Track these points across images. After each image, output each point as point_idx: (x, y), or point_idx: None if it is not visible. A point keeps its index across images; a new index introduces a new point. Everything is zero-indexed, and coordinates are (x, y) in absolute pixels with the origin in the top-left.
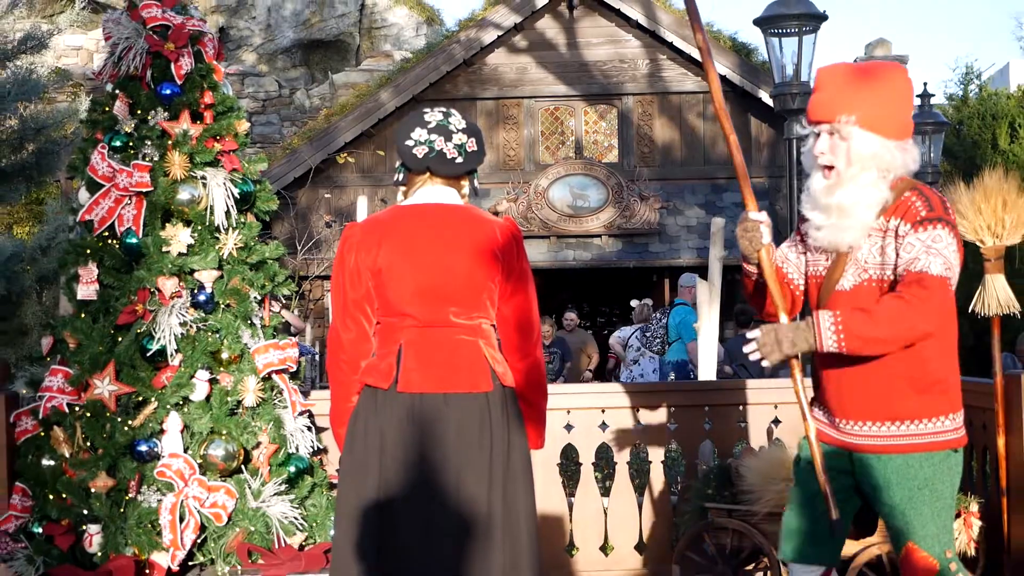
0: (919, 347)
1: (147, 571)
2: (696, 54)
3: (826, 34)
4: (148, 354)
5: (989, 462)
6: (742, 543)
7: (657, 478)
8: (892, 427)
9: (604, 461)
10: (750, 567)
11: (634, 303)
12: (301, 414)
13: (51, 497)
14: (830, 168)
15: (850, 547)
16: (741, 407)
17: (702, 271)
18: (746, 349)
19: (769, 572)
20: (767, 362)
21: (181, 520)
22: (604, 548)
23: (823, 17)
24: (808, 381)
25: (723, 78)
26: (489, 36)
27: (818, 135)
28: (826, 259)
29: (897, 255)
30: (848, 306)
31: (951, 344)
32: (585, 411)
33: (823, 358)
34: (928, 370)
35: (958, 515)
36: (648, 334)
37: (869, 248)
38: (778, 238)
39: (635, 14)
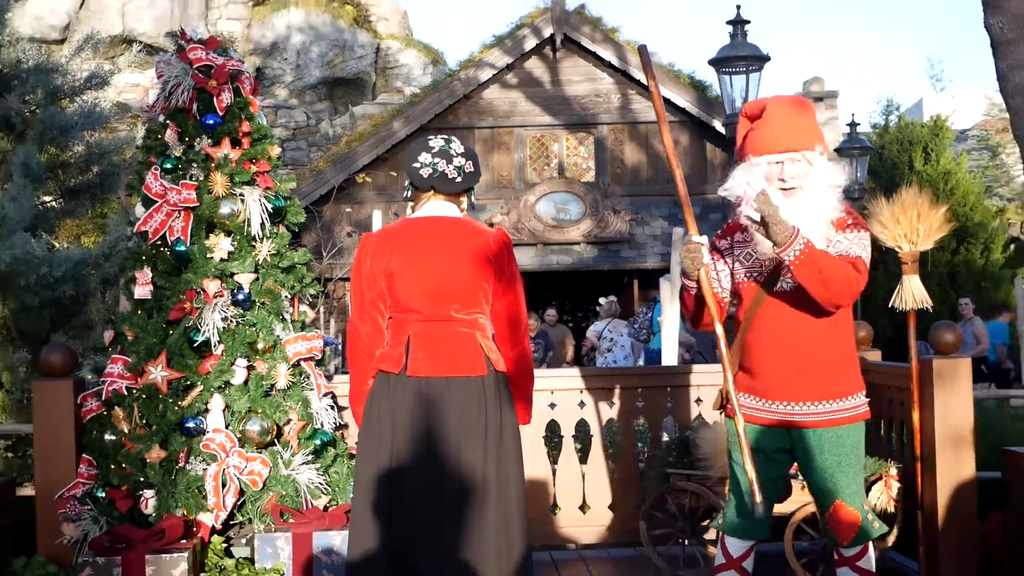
0: (840, 337)
1: (194, 529)
2: (661, 90)
3: (769, 72)
4: (195, 345)
5: (906, 434)
6: (699, 503)
7: (627, 449)
8: (826, 404)
9: (582, 434)
10: (705, 523)
11: (602, 300)
12: (325, 395)
13: (112, 467)
14: (792, 189)
15: (788, 506)
16: (698, 388)
17: (665, 273)
18: (760, 199)
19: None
20: (755, 214)
21: (223, 486)
22: (582, 507)
23: (766, 58)
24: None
25: (683, 110)
26: (485, 74)
27: (781, 162)
28: (762, 266)
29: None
30: (790, 303)
31: (853, 334)
32: (566, 392)
33: (755, 349)
34: (846, 356)
35: (880, 478)
36: (636, 326)
37: None
38: None
39: (609, 56)
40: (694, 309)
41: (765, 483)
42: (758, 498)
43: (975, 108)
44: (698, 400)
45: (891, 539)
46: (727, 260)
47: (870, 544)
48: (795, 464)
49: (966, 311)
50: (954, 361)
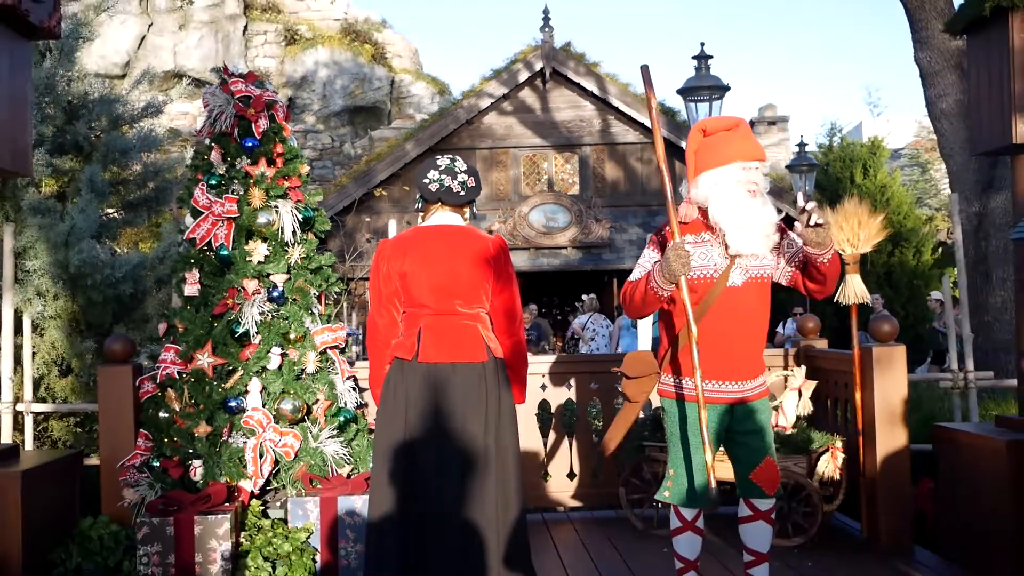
0: (763, 324)
1: (236, 494)
2: (635, 115)
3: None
4: (236, 335)
5: (849, 411)
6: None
7: (609, 424)
8: (757, 380)
9: (569, 412)
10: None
11: (584, 297)
12: (348, 379)
13: (166, 440)
14: (754, 192)
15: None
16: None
17: None
18: (810, 208)
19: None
20: (673, 255)
21: (261, 456)
22: (570, 475)
23: (727, 88)
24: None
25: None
26: (484, 103)
27: (751, 169)
28: (713, 265)
29: (780, 250)
30: (738, 298)
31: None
32: (556, 375)
33: (710, 337)
34: (763, 341)
35: (827, 450)
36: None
37: (762, 256)
38: None
39: (591, 87)
40: (643, 306)
41: (707, 453)
42: (714, 484)
43: (907, 130)
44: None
45: (836, 503)
46: None
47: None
48: None
49: (876, 305)
50: (891, 348)
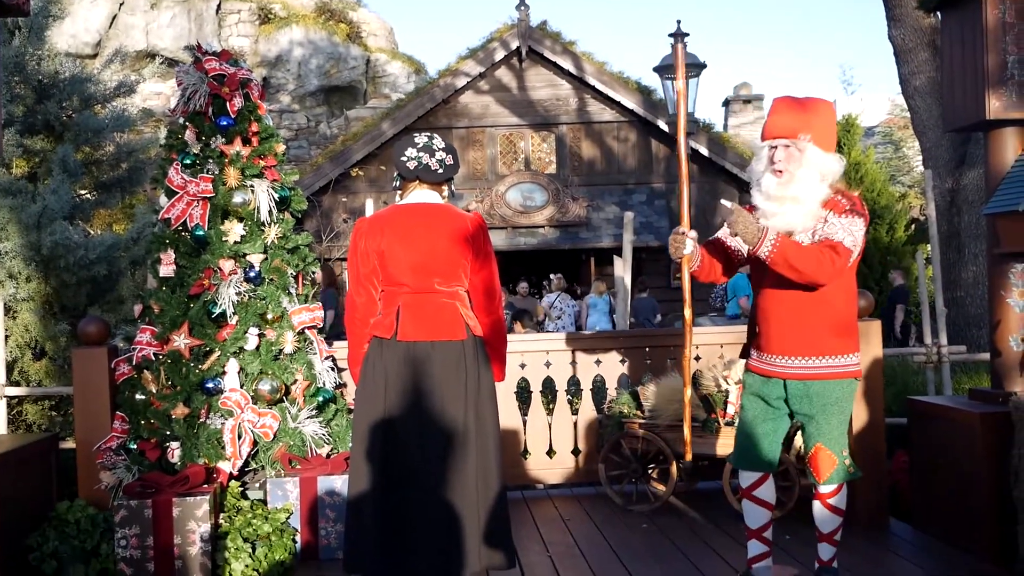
0: (833, 301)
1: (214, 476)
2: (612, 94)
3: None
4: (213, 316)
5: None
6: (649, 447)
7: (587, 401)
8: (815, 360)
9: (548, 390)
10: (653, 465)
11: (552, 276)
12: (326, 358)
13: (143, 422)
14: (781, 172)
15: (726, 449)
16: (647, 349)
17: (617, 252)
18: (726, 211)
19: (669, 468)
20: (728, 228)
21: (239, 437)
22: (549, 453)
23: (703, 66)
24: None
25: (631, 111)
26: (461, 82)
27: (775, 147)
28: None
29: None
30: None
31: (854, 301)
32: (534, 354)
33: (765, 310)
34: (839, 319)
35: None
36: (713, 294)
37: (803, 231)
38: (670, 228)
39: (567, 65)
40: (697, 272)
41: (764, 423)
42: (689, 456)
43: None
44: (647, 360)
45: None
46: None
47: (844, 486)
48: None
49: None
50: (866, 323)
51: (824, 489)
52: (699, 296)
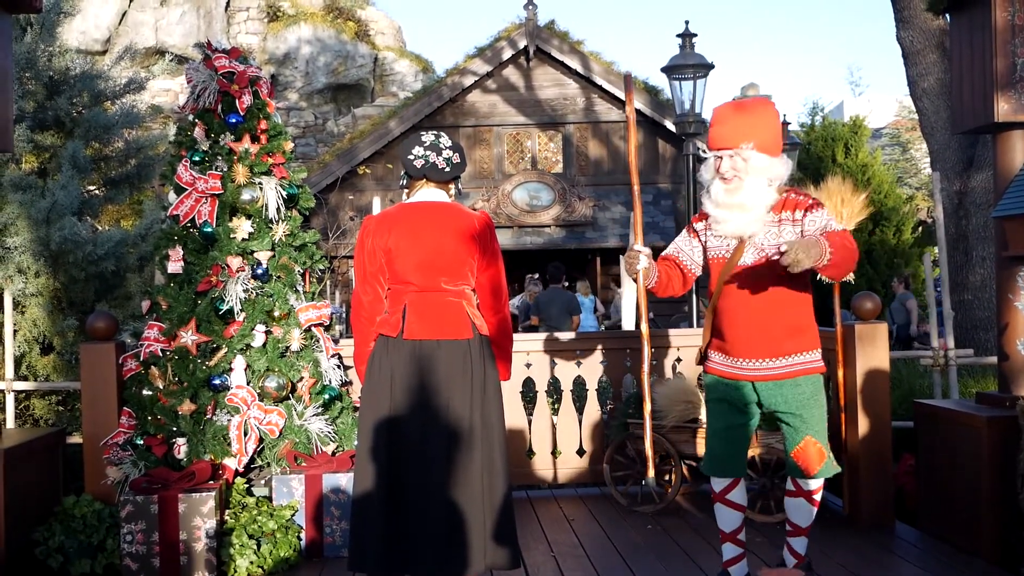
0: (792, 303)
1: (220, 472)
2: (619, 94)
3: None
4: (220, 313)
5: (831, 388)
6: (655, 448)
7: (592, 402)
8: (782, 360)
9: (554, 389)
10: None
11: (527, 277)
12: (333, 356)
13: (149, 418)
14: (728, 179)
15: None
16: (653, 350)
17: (623, 252)
18: (782, 258)
19: (674, 469)
20: (795, 268)
21: (245, 434)
22: (554, 452)
23: (711, 66)
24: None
25: (638, 111)
26: (468, 81)
27: (720, 158)
28: (727, 245)
29: (802, 233)
30: (751, 277)
31: (811, 301)
32: (540, 353)
33: (728, 315)
34: (798, 320)
35: None
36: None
37: (764, 235)
38: (679, 228)
39: (575, 65)
40: (655, 288)
41: (734, 428)
42: (651, 473)
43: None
44: (653, 361)
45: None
46: (701, 238)
47: (822, 482)
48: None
49: (897, 287)
50: (873, 326)
51: (813, 484)
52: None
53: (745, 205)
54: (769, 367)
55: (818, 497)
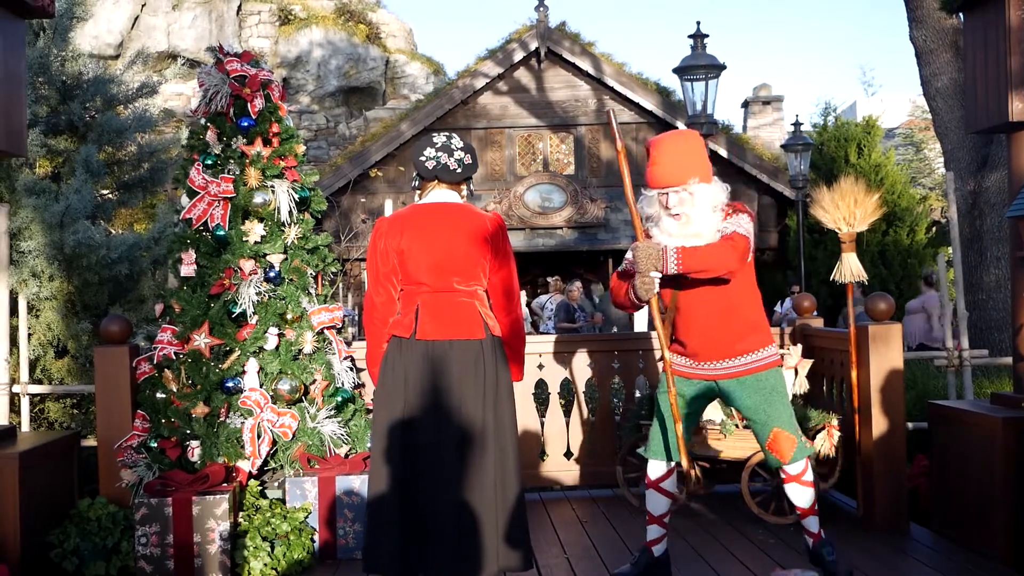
0: (741, 305)
1: (234, 474)
2: (630, 95)
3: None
4: (233, 316)
5: (845, 389)
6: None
7: (605, 403)
8: (739, 359)
9: (566, 391)
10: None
11: (550, 279)
12: (345, 359)
13: (163, 421)
14: (679, 216)
15: (744, 452)
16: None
17: None
18: (628, 262)
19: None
20: (634, 270)
21: (258, 437)
22: (567, 454)
23: (723, 67)
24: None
25: (650, 112)
26: (480, 83)
27: (666, 194)
28: None
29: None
30: (698, 289)
31: (759, 301)
32: (552, 355)
33: (683, 321)
34: (750, 320)
35: (823, 428)
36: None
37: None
38: None
39: (586, 66)
40: (628, 307)
41: (684, 417)
42: (685, 463)
43: (901, 110)
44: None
45: (832, 481)
46: None
47: (808, 460)
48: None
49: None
50: (887, 327)
51: (793, 469)
52: None
53: (701, 233)
54: (729, 366)
55: (808, 478)
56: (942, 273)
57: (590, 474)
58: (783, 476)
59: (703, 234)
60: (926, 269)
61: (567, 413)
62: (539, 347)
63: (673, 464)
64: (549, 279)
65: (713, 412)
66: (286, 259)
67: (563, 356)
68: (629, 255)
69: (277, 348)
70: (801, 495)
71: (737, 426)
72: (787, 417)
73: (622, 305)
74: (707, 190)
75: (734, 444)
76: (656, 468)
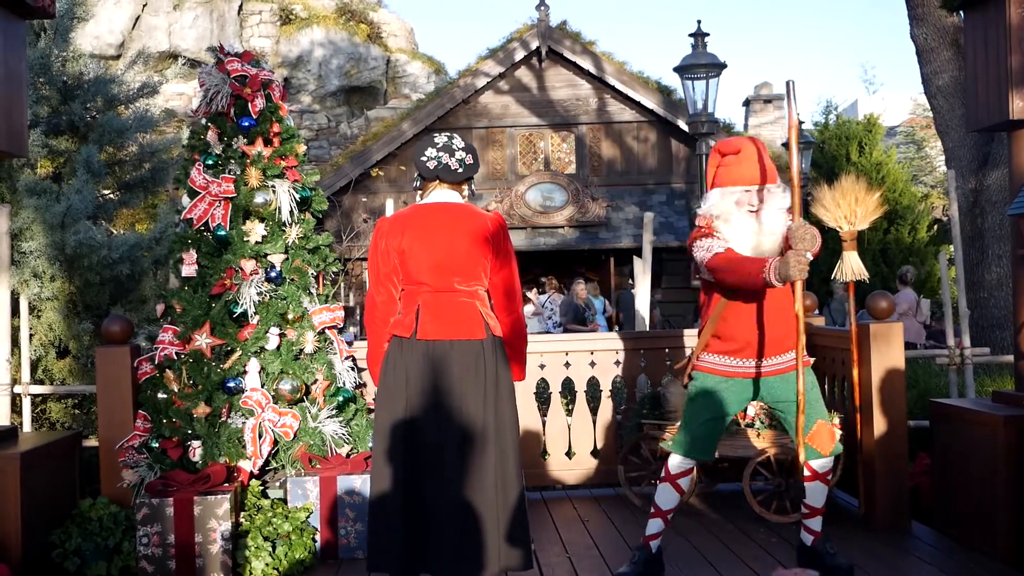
0: (787, 304)
1: (235, 474)
2: (631, 94)
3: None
4: (234, 316)
5: (846, 388)
6: None
7: (606, 402)
8: (788, 355)
9: (568, 390)
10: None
11: (543, 280)
12: (347, 358)
13: (164, 421)
14: (756, 213)
15: (747, 451)
16: (667, 350)
17: (637, 252)
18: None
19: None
20: (795, 260)
21: (260, 437)
22: (568, 453)
23: (724, 66)
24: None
25: (651, 111)
26: (481, 82)
27: (751, 192)
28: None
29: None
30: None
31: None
32: (553, 354)
33: (738, 321)
34: (792, 319)
35: None
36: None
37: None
38: (690, 228)
39: (587, 65)
40: (738, 284)
41: (718, 419)
42: (803, 456)
43: (902, 108)
44: (667, 361)
45: (834, 479)
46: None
47: (832, 462)
48: (747, 414)
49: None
50: (888, 325)
51: (822, 467)
52: None
53: (774, 232)
54: (778, 362)
55: (831, 478)
56: (943, 270)
57: (592, 473)
58: (807, 473)
59: (776, 233)
60: (902, 268)
61: (568, 412)
62: (540, 347)
63: (693, 464)
64: (543, 279)
65: None
66: (287, 259)
67: (563, 356)
68: (784, 231)
69: (278, 348)
70: (821, 494)
71: (739, 425)
72: (826, 412)
73: (741, 282)
74: (781, 194)
75: (735, 443)
76: (678, 463)
